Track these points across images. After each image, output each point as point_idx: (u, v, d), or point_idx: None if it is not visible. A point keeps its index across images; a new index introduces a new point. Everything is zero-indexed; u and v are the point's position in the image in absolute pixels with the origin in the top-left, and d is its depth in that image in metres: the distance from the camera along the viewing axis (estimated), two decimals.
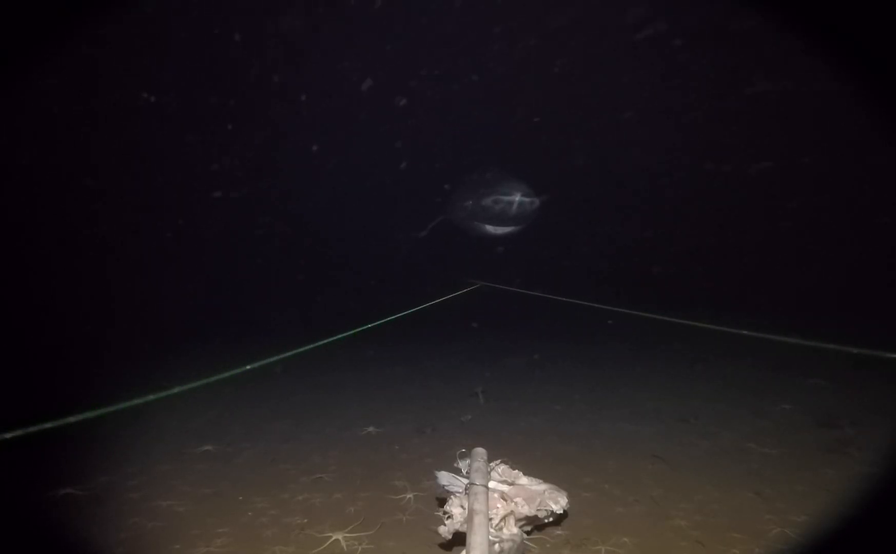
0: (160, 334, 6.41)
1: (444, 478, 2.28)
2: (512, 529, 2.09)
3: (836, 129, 7.58)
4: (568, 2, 7.83)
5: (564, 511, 2.23)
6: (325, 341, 2.35)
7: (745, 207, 9.13)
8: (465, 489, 2.16)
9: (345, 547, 2.26)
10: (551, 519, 2.22)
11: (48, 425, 1.34)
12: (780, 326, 2.12)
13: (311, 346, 2.28)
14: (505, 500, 2.14)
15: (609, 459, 3.07)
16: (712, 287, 7.78)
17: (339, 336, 2.44)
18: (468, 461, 2.30)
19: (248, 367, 1.90)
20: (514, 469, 2.31)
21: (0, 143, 5.80)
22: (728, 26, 7.41)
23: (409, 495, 2.68)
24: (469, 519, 1.97)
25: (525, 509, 2.14)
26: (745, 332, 2.26)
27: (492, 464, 2.32)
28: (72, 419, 1.39)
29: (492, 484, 2.19)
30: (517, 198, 5.55)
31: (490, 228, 5.98)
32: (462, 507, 2.10)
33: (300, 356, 2.17)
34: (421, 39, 8.54)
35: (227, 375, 1.82)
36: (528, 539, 2.20)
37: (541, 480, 2.27)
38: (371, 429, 3.64)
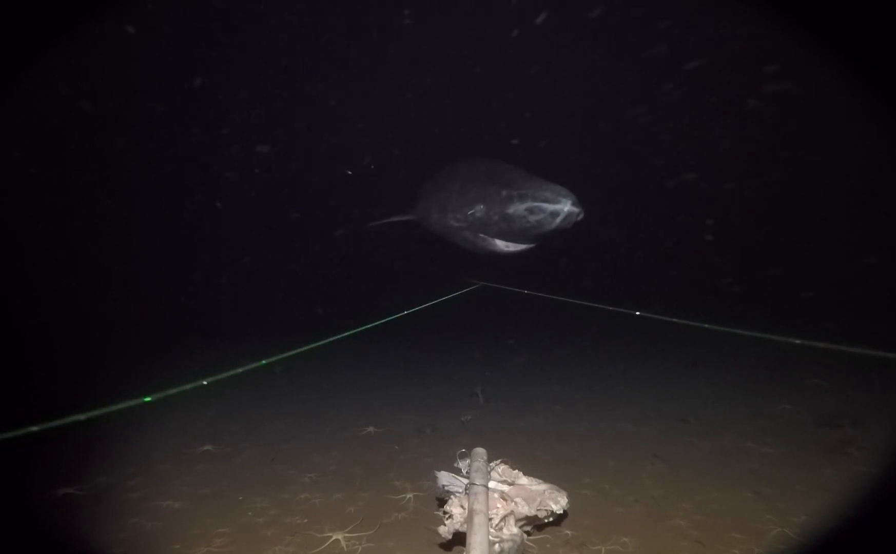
0: (160, 334, 6.41)
1: (444, 478, 2.28)
2: (512, 529, 2.09)
3: (836, 128, 7.59)
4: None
5: (564, 511, 2.23)
6: (325, 341, 2.35)
7: (745, 207, 9.14)
8: (465, 489, 2.16)
9: (345, 547, 2.26)
10: (551, 519, 2.22)
11: (48, 425, 1.34)
12: (780, 326, 2.12)
13: (311, 346, 2.28)
14: (505, 500, 2.14)
15: (609, 459, 3.07)
16: (712, 287, 7.78)
17: (339, 336, 2.44)
18: (468, 461, 2.30)
19: (248, 367, 1.90)
20: (514, 469, 2.32)
21: None
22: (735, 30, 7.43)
23: (409, 495, 2.68)
24: (469, 519, 1.97)
25: (525, 509, 2.14)
26: (745, 332, 2.25)
27: (492, 464, 2.32)
28: (72, 419, 1.39)
29: (492, 484, 2.19)
30: (565, 207, 4.22)
31: (501, 245, 4.79)
32: (462, 507, 2.10)
33: (300, 356, 2.17)
34: (425, 31, 8.45)
35: (227, 375, 1.82)
36: (528, 539, 2.20)
37: (541, 480, 2.27)
38: (371, 429, 3.64)
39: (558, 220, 4.26)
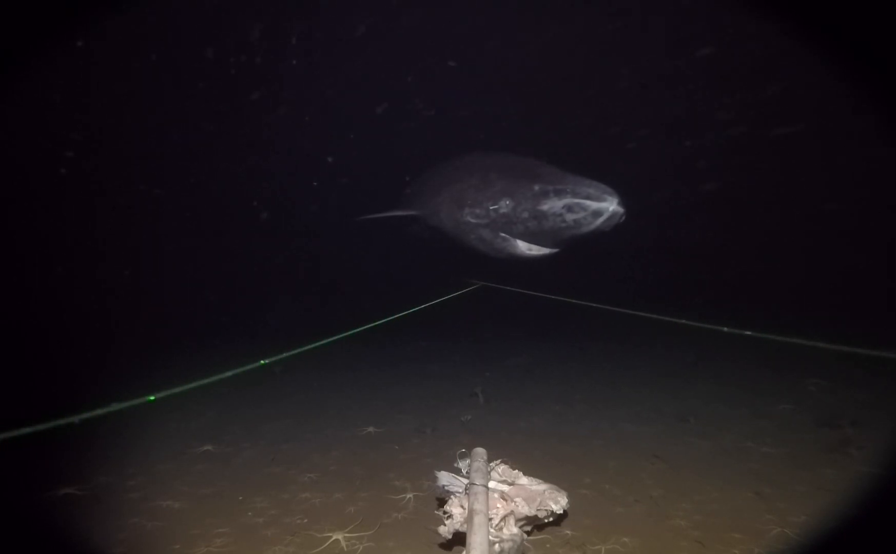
0: (160, 334, 6.41)
1: (444, 478, 2.28)
2: (512, 529, 2.09)
3: (835, 128, 7.59)
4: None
5: (564, 511, 2.23)
6: (325, 341, 2.35)
7: (745, 207, 9.14)
8: (465, 489, 2.16)
9: (345, 547, 2.26)
10: (551, 519, 2.22)
11: (48, 425, 1.34)
12: (780, 326, 2.12)
13: (311, 346, 2.28)
14: (505, 500, 2.14)
15: (609, 459, 3.07)
16: (712, 287, 7.78)
17: (339, 336, 2.44)
18: (468, 461, 2.30)
19: (248, 367, 1.90)
20: (514, 469, 2.32)
21: None
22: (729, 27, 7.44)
23: (409, 495, 2.68)
24: (469, 519, 1.97)
25: (525, 509, 2.14)
26: (745, 332, 2.26)
27: (492, 464, 2.32)
28: (72, 419, 1.39)
29: (492, 484, 2.19)
30: (610, 207, 3.76)
31: (523, 247, 4.31)
32: (462, 507, 2.10)
33: (300, 356, 2.18)
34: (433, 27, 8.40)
35: (227, 375, 1.82)
36: (528, 539, 2.20)
37: (541, 480, 2.27)
38: (371, 429, 3.64)
39: (600, 220, 3.80)
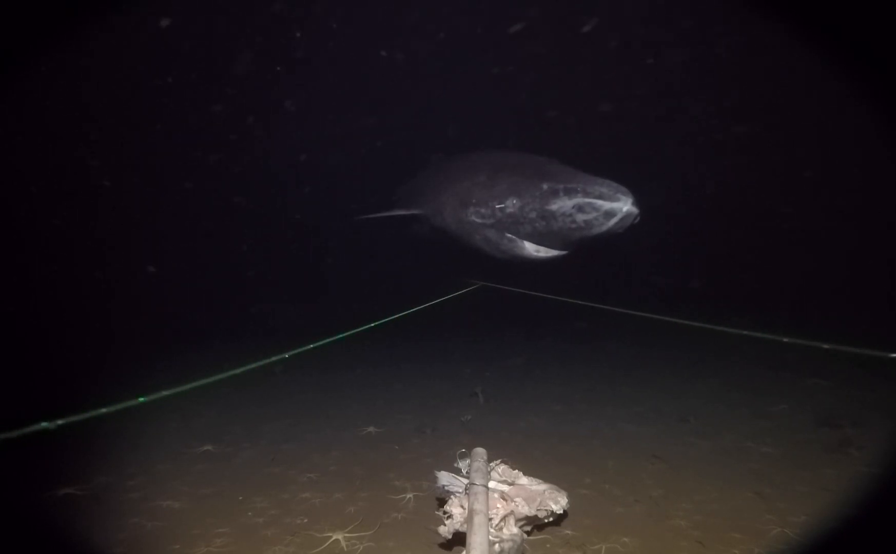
0: (160, 334, 6.41)
1: (444, 478, 2.28)
2: (512, 529, 2.09)
3: (835, 128, 7.59)
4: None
5: (564, 511, 2.23)
6: (325, 341, 2.35)
7: (745, 207, 9.14)
8: (465, 489, 2.16)
9: (345, 547, 2.26)
10: (551, 519, 2.22)
11: (48, 425, 1.34)
12: (780, 326, 2.12)
13: (311, 346, 2.28)
14: (505, 500, 2.14)
15: (609, 459, 3.07)
16: (712, 287, 7.78)
17: (339, 336, 2.44)
18: (468, 461, 2.30)
19: (248, 367, 1.90)
20: (514, 469, 2.32)
21: None
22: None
23: (409, 495, 2.68)
24: (469, 519, 1.97)
25: (525, 509, 2.14)
26: (745, 332, 2.25)
27: (492, 464, 2.32)
28: (72, 419, 1.39)
29: (492, 484, 2.19)
30: (624, 207, 3.57)
31: (530, 248, 4.15)
32: (462, 507, 2.10)
33: (300, 356, 2.17)
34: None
35: (227, 375, 1.82)
36: (528, 539, 2.20)
37: (541, 480, 2.27)
38: (371, 429, 3.64)
39: (613, 221, 3.60)
